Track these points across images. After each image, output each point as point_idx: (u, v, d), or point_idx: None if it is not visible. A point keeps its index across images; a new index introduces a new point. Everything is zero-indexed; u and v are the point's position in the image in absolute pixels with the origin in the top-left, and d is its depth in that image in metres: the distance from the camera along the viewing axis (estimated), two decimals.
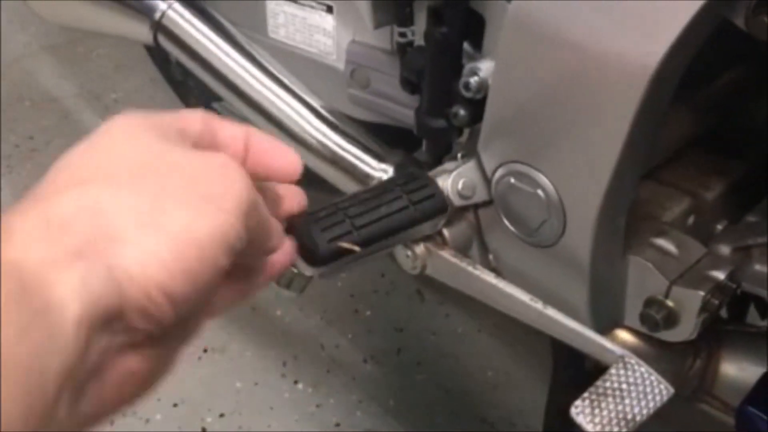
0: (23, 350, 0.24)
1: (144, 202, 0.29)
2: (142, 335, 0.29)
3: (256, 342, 0.99)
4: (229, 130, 0.35)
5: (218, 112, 1.10)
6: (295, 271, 0.50)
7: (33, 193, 0.29)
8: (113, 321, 0.27)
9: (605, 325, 0.54)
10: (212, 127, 0.34)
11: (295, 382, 0.95)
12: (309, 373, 0.96)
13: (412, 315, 1.03)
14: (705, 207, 0.60)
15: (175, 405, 0.92)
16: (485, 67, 0.50)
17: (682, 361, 0.56)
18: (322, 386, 0.94)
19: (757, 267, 0.55)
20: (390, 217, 0.48)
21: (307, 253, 0.45)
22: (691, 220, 0.60)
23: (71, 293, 0.26)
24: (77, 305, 0.26)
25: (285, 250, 0.38)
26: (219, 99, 0.99)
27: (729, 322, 0.61)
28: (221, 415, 0.92)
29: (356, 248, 0.46)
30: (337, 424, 0.91)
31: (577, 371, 0.77)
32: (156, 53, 1.12)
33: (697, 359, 0.57)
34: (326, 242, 0.46)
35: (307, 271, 0.48)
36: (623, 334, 0.59)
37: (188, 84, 1.04)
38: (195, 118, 0.34)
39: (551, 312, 0.51)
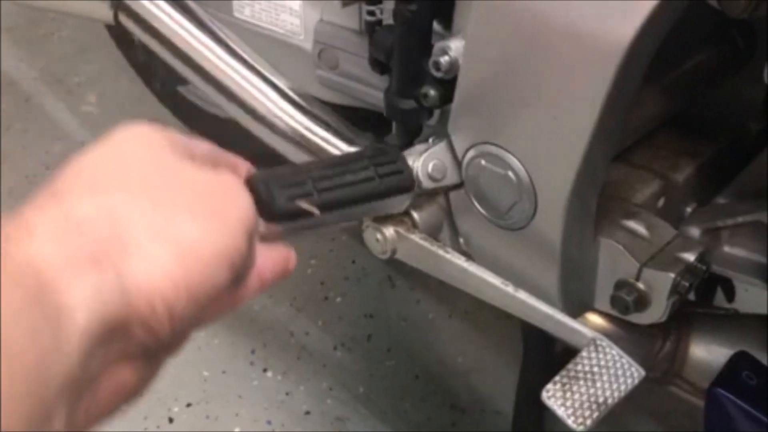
0: (31, 354, 0.24)
1: (158, 214, 0.29)
2: (138, 347, 0.29)
3: (224, 330, 0.98)
4: (232, 157, 0.38)
5: (183, 96, 1.08)
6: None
7: (48, 187, 0.29)
8: (117, 332, 0.27)
9: (576, 308, 0.53)
10: (217, 151, 0.36)
11: (264, 370, 0.94)
12: (278, 360, 0.95)
13: (383, 301, 1.02)
14: (675, 189, 0.60)
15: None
16: (455, 46, 0.49)
17: (652, 344, 0.56)
18: (291, 374, 0.93)
19: (726, 249, 0.55)
20: (354, 186, 0.47)
21: (264, 208, 0.43)
22: (661, 202, 0.60)
23: (82, 301, 0.26)
24: (86, 315, 0.26)
25: (275, 260, 0.38)
26: (184, 83, 0.97)
27: (697, 304, 0.61)
28: (188, 405, 0.90)
29: (315, 210, 0.45)
30: (307, 412, 0.90)
31: (548, 355, 0.77)
32: (118, 35, 1.09)
33: (666, 342, 0.57)
34: (285, 199, 0.44)
35: (260, 225, 0.47)
36: (594, 318, 0.58)
37: (151, 67, 1.01)
38: (203, 142, 0.36)
39: (522, 295, 0.51)
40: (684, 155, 0.61)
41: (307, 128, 0.65)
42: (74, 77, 1.38)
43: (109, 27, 1.10)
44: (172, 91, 1.05)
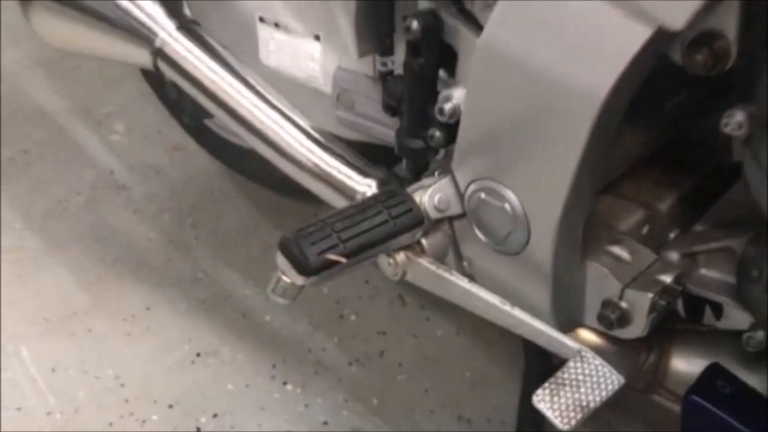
0: None
1: None
2: None
3: (247, 346, 1.05)
4: None
5: (208, 128, 1.15)
6: (288, 281, 0.56)
7: None
8: None
9: (567, 324, 0.60)
10: None
11: (284, 384, 1.00)
12: (297, 374, 1.02)
13: (395, 319, 1.09)
14: (658, 217, 0.66)
15: (170, 406, 0.98)
16: (458, 94, 0.56)
17: (637, 357, 0.62)
18: (309, 387, 1.00)
19: (703, 271, 0.62)
20: (372, 231, 0.54)
21: (299, 265, 0.51)
22: (645, 229, 0.66)
23: None
24: None
25: None
26: (210, 116, 1.06)
27: (681, 321, 0.67)
28: (215, 416, 0.97)
29: (343, 259, 0.53)
30: (325, 423, 0.96)
31: (546, 369, 0.83)
32: (149, 74, 1.18)
33: (650, 355, 0.63)
34: (316, 255, 0.52)
35: (299, 281, 0.54)
36: (584, 333, 0.65)
37: (181, 103, 1.09)
38: None
39: (518, 313, 0.58)
40: (666, 187, 0.68)
41: (324, 161, 0.72)
42: (102, 108, 1.47)
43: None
44: (199, 124, 1.13)
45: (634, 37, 0.43)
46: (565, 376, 0.50)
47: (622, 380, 0.50)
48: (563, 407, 0.48)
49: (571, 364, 0.50)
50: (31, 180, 1.31)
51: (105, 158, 1.37)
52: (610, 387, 0.49)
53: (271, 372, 1.02)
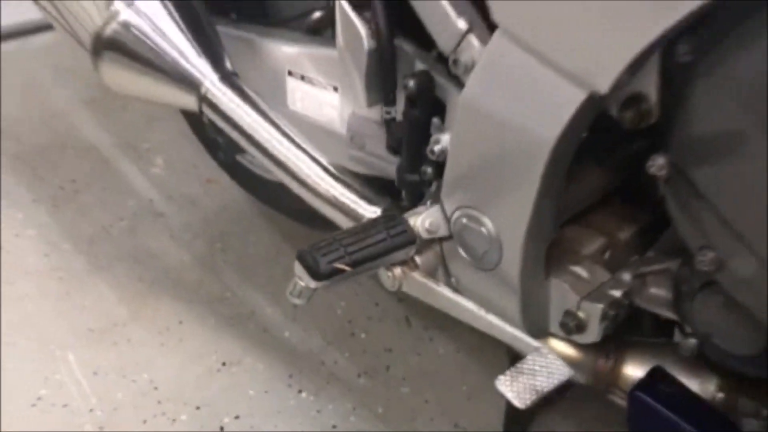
0: None
1: None
2: None
3: (267, 357, 1.16)
4: None
5: (240, 163, 1.29)
6: (303, 284, 0.68)
7: None
8: None
9: (536, 330, 0.71)
10: None
11: (299, 391, 1.12)
12: (311, 384, 1.13)
13: (400, 338, 1.20)
14: (618, 245, 0.78)
15: (197, 408, 1.09)
16: (445, 138, 0.69)
17: (595, 361, 0.74)
18: (322, 395, 1.11)
19: (651, 290, 0.73)
20: (373, 246, 0.67)
21: (312, 272, 0.63)
22: (607, 255, 0.78)
23: None
24: None
25: None
26: (242, 152, 1.19)
27: (636, 334, 0.79)
28: (236, 417, 1.08)
29: (348, 268, 0.65)
30: (334, 426, 1.07)
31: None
32: (188, 115, 1.32)
33: (608, 361, 0.74)
34: (326, 264, 0.64)
35: (312, 284, 0.67)
36: (553, 340, 0.76)
37: (216, 140, 1.23)
38: None
39: (492, 318, 0.70)
40: (627, 219, 0.79)
41: (338, 191, 0.84)
42: (144, 144, 1.60)
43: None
44: (232, 160, 1.27)
45: (574, 98, 0.55)
46: (524, 366, 0.61)
47: (571, 372, 0.61)
48: (521, 390, 0.60)
49: (529, 357, 0.62)
50: (79, 207, 1.44)
51: (145, 189, 1.51)
52: (560, 377, 0.61)
53: (287, 381, 1.14)
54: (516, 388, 0.60)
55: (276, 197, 1.21)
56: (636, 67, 0.53)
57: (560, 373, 0.62)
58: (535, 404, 0.59)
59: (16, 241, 1.35)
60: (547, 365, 0.62)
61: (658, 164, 0.58)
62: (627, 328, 0.77)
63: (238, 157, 1.23)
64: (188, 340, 1.19)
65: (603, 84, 0.53)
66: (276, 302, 1.25)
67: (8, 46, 1.85)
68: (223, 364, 1.15)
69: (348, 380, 1.14)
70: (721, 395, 0.70)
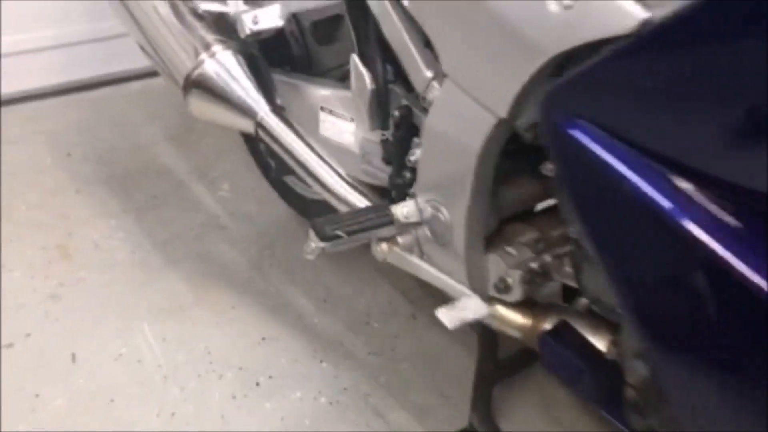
0: None
1: None
2: None
3: (298, 336, 1.44)
4: None
5: (288, 185, 1.61)
6: (313, 245, 0.98)
7: None
8: None
9: (478, 289, 0.99)
10: None
11: (321, 362, 1.39)
12: (331, 357, 1.40)
13: (406, 329, 1.46)
14: (550, 238, 1.06)
15: (240, 368, 1.37)
16: (419, 151, 0.99)
17: (523, 319, 1.01)
18: (339, 366, 1.38)
19: (566, 268, 1.01)
20: (362, 223, 0.97)
21: (319, 235, 0.93)
22: (541, 245, 1.06)
23: None
24: None
25: None
26: (290, 173, 1.51)
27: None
28: (270, 377, 1.37)
29: (344, 235, 0.95)
30: (345, 389, 1.34)
31: (493, 352, 1.21)
32: (248, 141, 1.66)
33: (532, 319, 1.01)
34: (329, 230, 0.94)
35: (320, 244, 0.97)
36: (498, 306, 1.04)
37: (269, 162, 1.55)
38: None
39: (448, 280, 0.98)
40: (561, 221, 1.07)
41: (353, 195, 1.15)
42: (213, 172, 1.89)
43: (244, 136, 1.66)
44: (280, 180, 1.59)
45: (488, 122, 0.84)
46: (458, 304, 0.90)
47: (486, 310, 0.90)
48: (452, 318, 0.88)
49: (462, 300, 0.90)
50: (158, 217, 1.70)
51: (212, 207, 1.79)
52: (480, 314, 0.89)
53: (313, 354, 1.42)
54: (449, 317, 0.88)
55: (313, 211, 1.52)
56: (527, 98, 0.81)
57: (480, 310, 0.89)
58: (458, 328, 0.87)
59: (109, 241, 1.68)
60: (472, 306, 0.90)
61: (549, 168, 0.87)
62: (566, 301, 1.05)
63: (285, 178, 1.55)
64: (237, 321, 1.49)
65: (503, 112, 0.82)
66: (309, 296, 1.55)
67: (108, 90, 2.23)
68: (263, 339, 1.45)
69: (360, 357, 1.42)
70: (611, 344, 0.96)
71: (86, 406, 1.31)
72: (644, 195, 0.59)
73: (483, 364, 1.20)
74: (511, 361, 1.24)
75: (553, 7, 0.69)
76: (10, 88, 2.09)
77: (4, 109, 2.07)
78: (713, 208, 0.59)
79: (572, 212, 0.69)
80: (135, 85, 2.20)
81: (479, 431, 1.21)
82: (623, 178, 0.60)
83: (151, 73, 2.23)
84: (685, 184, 0.59)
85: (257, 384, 1.36)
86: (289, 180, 1.57)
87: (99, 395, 1.33)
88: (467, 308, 0.92)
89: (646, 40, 0.59)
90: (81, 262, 1.60)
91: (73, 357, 1.40)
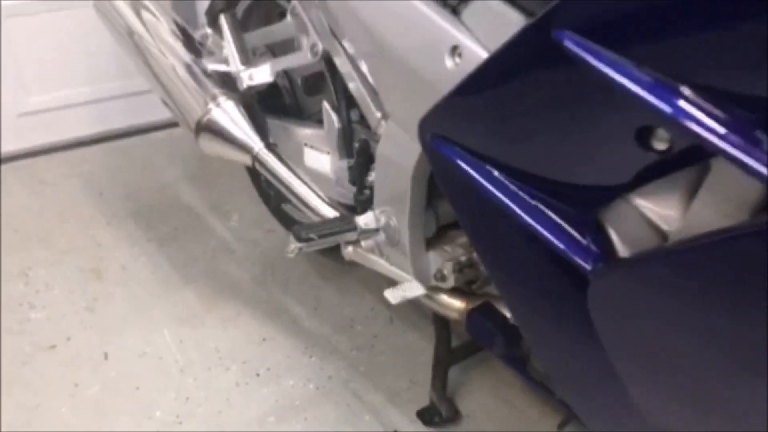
0: None
1: None
2: None
3: (292, 337, 1.71)
4: None
5: (285, 211, 1.91)
6: (293, 246, 1.26)
7: None
8: None
9: (422, 278, 1.27)
10: None
11: (311, 357, 1.65)
12: (319, 353, 1.66)
13: (385, 330, 1.74)
14: None
15: (243, 362, 1.64)
16: (374, 174, 1.28)
17: (456, 303, 1.28)
18: (325, 359, 1.65)
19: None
20: (330, 229, 1.25)
21: (297, 238, 1.22)
22: (470, 245, 1.34)
23: None
24: None
25: None
26: (286, 202, 1.81)
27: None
28: (268, 369, 1.63)
29: (316, 237, 1.24)
30: (330, 377, 1.61)
31: (447, 346, 1.47)
32: (253, 178, 1.96)
33: (463, 303, 1.29)
34: (304, 234, 1.23)
35: (297, 245, 1.25)
36: (440, 294, 1.31)
37: (269, 193, 1.86)
38: None
39: (399, 272, 1.26)
40: None
41: (330, 212, 1.44)
42: (226, 206, 2.15)
43: (248, 171, 1.97)
44: (279, 208, 1.89)
45: (417, 149, 1.13)
46: (403, 286, 1.18)
47: (423, 291, 1.17)
48: (396, 296, 1.16)
49: (406, 283, 1.18)
50: (178, 244, 1.99)
51: (223, 234, 2.08)
52: (418, 292, 1.17)
53: (304, 350, 1.68)
54: (393, 295, 1.16)
55: None
56: None
57: (418, 290, 1.17)
58: (400, 303, 1.15)
59: (134, 264, 1.97)
60: (412, 287, 1.18)
61: None
62: None
63: (283, 206, 1.85)
64: (242, 325, 1.77)
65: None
66: (302, 305, 1.82)
67: (136, 139, 2.55)
68: (263, 339, 1.73)
69: (344, 352, 1.69)
70: None
71: (116, 392, 1.59)
72: (492, 196, 0.85)
73: (439, 349, 1.46)
74: (464, 348, 1.50)
75: (449, 62, 0.98)
76: (51, 138, 2.43)
77: (46, 157, 2.41)
78: (543, 203, 0.84)
79: (454, 211, 0.97)
80: (159, 134, 2.52)
81: (437, 406, 1.47)
82: (475, 183, 0.85)
83: (173, 124, 2.57)
84: (523, 186, 0.85)
85: (257, 374, 1.63)
86: (287, 208, 1.87)
87: (126, 384, 1.61)
88: (408, 289, 1.19)
89: (477, 76, 0.84)
90: (111, 280, 1.90)
91: (105, 355, 1.69)
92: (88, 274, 1.92)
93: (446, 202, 1.25)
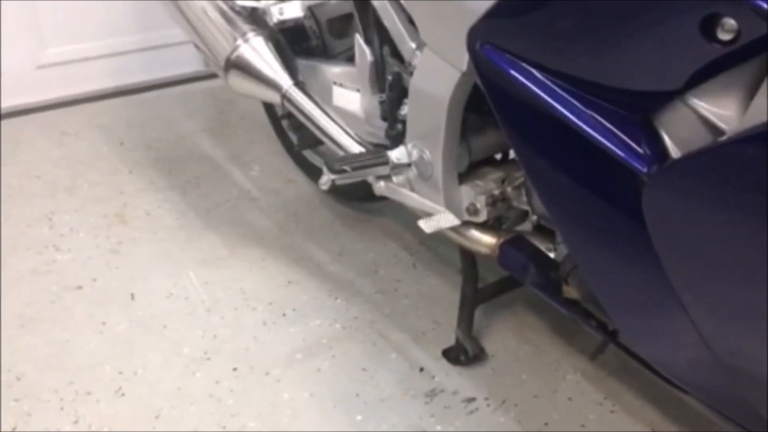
0: None
1: None
2: None
3: (317, 280, 1.72)
4: None
5: (305, 157, 1.91)
6: (326, 177, 1.27)
7: None
8: None
9: (457, 214, 1.27)
10: None
11: (336, 298, 1.68)
12: (344, 295, 1.68)
13: (408, 275, 1.75)
14: (511, 178, 1.33)
15: (270, 303, 1.66)
16: (406, 107, 1.28)
17: (489, 238, 1.29)
18: (351, 301, 1.66)
19: (523, 197, 1.29)
20: (363, 162, 1.26)
21: (330, 170, 1.23)
22: (507, 183, 1.34)
23: None
24: None
25: None
26: (311, 146, 1.82)
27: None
28: (294, 309, 1.64)
29: (349, 169, 1.24)
30: (356, 317, 1.63)
31: (474, 285, 1.48)
32: (274, 125, 1.97)
33: (496, 238, 1.29)
34: (338, 166, 1.24)
35: (331, 177, 1.26)
36: (472, 228, 1.32)
37: (289, 139, 1.86)
38: None
39: (432, 204, 1.27)
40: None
41: (359, 148, 1.44)
42: (246, 156, 2.16)
43: (270, 119, 1.98)
44: (301, 155, 1.89)
45: (454, 75, 1.13)
46: (436, 216, 1.19)
47: (457, 221, 1.18)
48: (431, 226, 1.16)
49: (439, 215, 1.19)
50: (199, 192, 2.02)
51: (245, 183, 2.09)
52: (453, 222, 1.18)
53: (329, 293, 1.70)
54: (428, 224, 1.17)
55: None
56: None
57: (453, 221, 1.18)
58: (435, 233, 1.16)
59: (158, 210, 1.98)
60: (446, 218, 1.19)
61: None
62: None
63: (305, 153, 1.86)
64: (267, 268, 1.78)
65: (463, 66, 1.11)
66: (326, 251, 1.83)
67: (153, 93, 2.56)
68: (289, 282, 1.74)
69: (368, 295, 1.70)
70: (551, 246, 1.24)
71: (144, 330, 1.61)
72: (543, 102, 0.86)
73: (466, 287, 1.47)
74: (490, 288, 1.51)
75: None
76: (72, 90, 2.44)
77: (67, 109, 2.42)
78: (595, 108, 0.83)
79: (500, 123, 0.97)
80: (176, 89, 2.54)
81: (463, 344, 1.49)
82: (526, 90, 0.86)
83: (190, 79, 2.58)
84: (575, 92, 0.83)
85: (284, 315, 1.65)
86: (308, 154, 1.88)
87: (154, 322, 1.63)
88: (442, 219, 1.20)
89: None
90: (135, 225, 1.92)
91: (132, 296, 1.70)
92: (113, 219, 1.93)
93: (479, 137, 1.26)
